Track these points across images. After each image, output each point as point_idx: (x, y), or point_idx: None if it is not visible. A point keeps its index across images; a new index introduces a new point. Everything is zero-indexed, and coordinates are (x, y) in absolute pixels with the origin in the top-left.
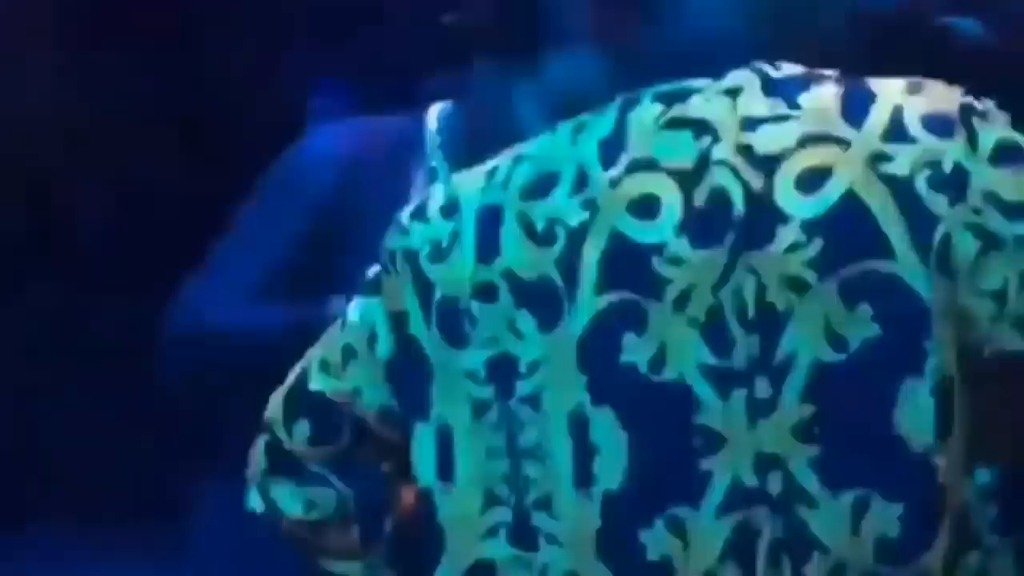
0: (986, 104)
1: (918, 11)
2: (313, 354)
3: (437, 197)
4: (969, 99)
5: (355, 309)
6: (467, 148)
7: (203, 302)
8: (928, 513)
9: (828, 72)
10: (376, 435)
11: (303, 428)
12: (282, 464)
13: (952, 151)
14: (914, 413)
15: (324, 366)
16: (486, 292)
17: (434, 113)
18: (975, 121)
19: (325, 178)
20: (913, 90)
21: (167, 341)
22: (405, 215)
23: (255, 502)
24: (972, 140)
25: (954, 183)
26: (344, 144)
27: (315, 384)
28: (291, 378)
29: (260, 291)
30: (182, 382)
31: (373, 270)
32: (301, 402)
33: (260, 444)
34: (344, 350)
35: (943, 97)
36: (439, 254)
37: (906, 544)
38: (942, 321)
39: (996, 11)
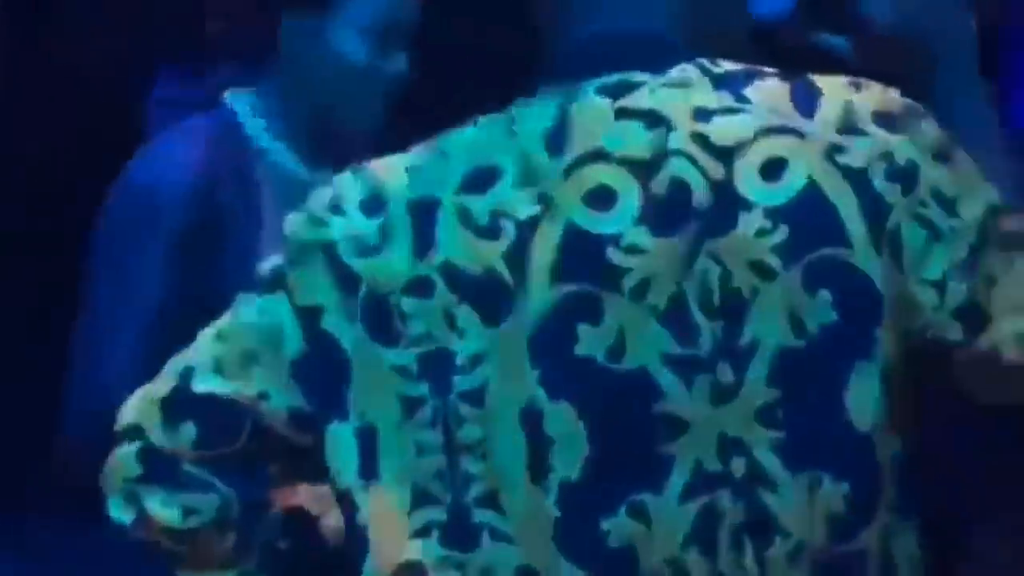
0: (917, 104)
1: (797, 27)
2: (194, 356)
3: (353, 189)
4: (907, 98)
5: (250, 308)
6: (300, 115)
7: (100, 381)
8: (869, 491)
9: (767, 69)
10: (279, 437)
11: (188, 431)
12: (159, 470)
13: (902, 145)
14: (862, 396)
15: (218, 367)
16: (421, 288)
17: (238, 99)
18: (916, 119)
19: (174, 201)
20: (857, 87)
21: (70, 422)
22: (319, 207)
23: (122, 512)
24: (917, 136)
25: (905, 175)
26: (178, 161)
27: (206, 386)
28: (165, 383)
29: (152, 337)
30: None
31: (269, 265)
32: (186, 405)
33: (128, 452)
34: (244, 352)
35: (886, 95)
36: (365, 249)
37: (850, 520)
38: (891, 308)
39: (859, 32)
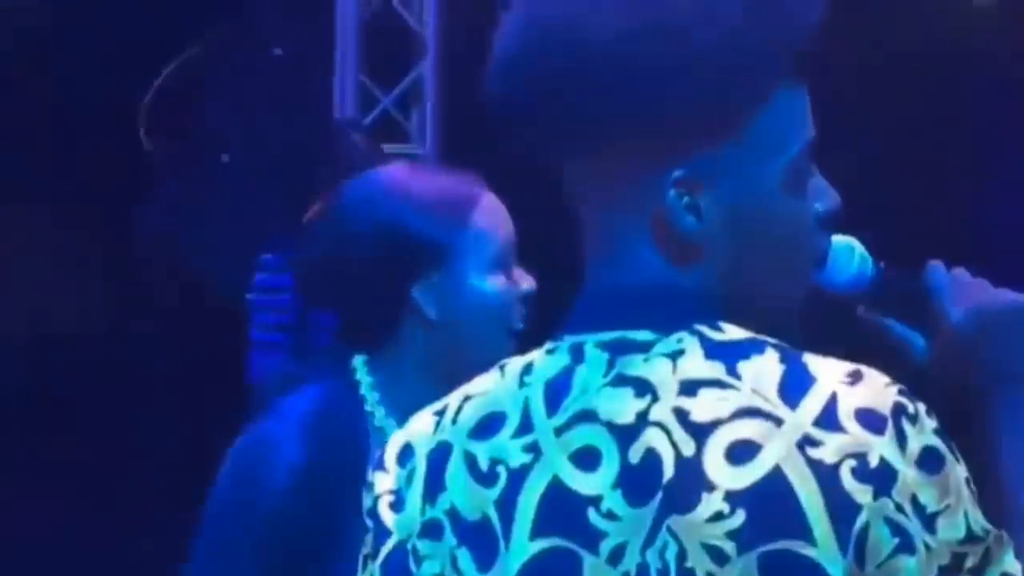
0: (918, 406)
1: (873, 307)
2: None
3: (394, 444)
4: (904, 399)
5: None
6: (406, 390)
7: None
8: None
9: (770, 340)
10: None
11: None
12: None
13: (880, 447)
14: None
15: None
16: (432, 530)
17: (360, 365)
18: (904, 422)
19: (277, 488)
20: (852, 380)
21: None
22: (371, 471)
23: None
24: (901, 440)
25: (879, 477)
26: (283, 447)
27: None
28: None
29: None
30: None
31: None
32: None
33: None
34: None
35: (879, 392)
36: (397, 503)
37: None
38: None
39: (937, 335)
